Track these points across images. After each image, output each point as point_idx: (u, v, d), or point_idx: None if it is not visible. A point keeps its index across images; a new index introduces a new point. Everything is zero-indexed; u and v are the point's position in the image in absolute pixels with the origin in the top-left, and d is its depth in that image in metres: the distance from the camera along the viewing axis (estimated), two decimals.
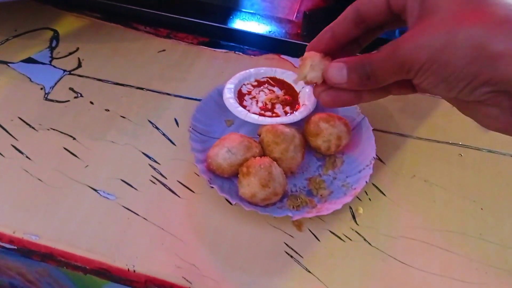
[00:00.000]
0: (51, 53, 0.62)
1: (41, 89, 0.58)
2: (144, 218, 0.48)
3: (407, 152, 0.55)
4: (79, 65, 0.61)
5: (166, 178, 0.51)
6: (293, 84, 0.57)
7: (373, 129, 0.56)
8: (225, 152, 0.49)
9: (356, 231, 0.48)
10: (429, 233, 0.48)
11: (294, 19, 0.70)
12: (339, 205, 0.47)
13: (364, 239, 0.48)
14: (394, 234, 0.48)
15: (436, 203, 0.51)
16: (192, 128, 0.53)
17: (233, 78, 0.57)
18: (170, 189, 0.50)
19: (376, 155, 0.54)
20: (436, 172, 0.54)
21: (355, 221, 0.49)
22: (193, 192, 0.50)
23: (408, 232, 0.48)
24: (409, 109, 0.60)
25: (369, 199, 0.51)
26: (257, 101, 0.55)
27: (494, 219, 0.50)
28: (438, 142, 0.57)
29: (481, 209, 0.51)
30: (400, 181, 0.53)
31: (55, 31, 0.65)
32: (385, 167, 0.54)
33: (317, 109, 0.54)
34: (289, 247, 0.47)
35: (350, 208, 0.50)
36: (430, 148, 0.56)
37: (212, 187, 0.47)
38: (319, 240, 0.47)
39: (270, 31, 0.67)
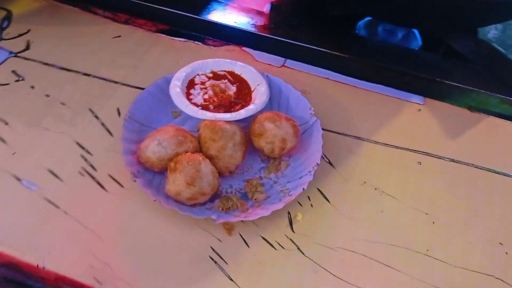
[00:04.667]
0: (0, 34, 0.60)
1: None
2: (65, 212, 0.45)
3: (361, 157, 0.51)
4: (27, 48, 0.58)
5: (96, 170, 0.48)
6: (248, 82, 0.54)
7: (328, 131, 0.53)
8: (155, 145, 0.45)
9: (290, 239, 0.44)
10: (370, 246, 0.44)
11: (264, 10, 0.67)
12: (268, 211, 0.43)
13: (298, 248, 0.44)
14: (332, 244, 0.44)
15: (384, 214, 0.47)
16: (129, 117, 0.49)
17: (187, 67, 0.54)
18: (98, 182, 0.47)
19: (327, 159, 0.50)
20: (390, 180, 0.49)
21: (291, 228, 0.45)
22: (122, 186, 0.47)
23: (347, 243, 0.44)
24: (371, 111, 0.56)
25: (311, 205, 0.47)
26: (205, 93, 0.52)
27: (446, 235, 0.46)
28: (397, 147, 0.52)
29: (433, 223, 0.47)
30: (349, 188, 0.49)
31: (9, 11, 0.63)
32: (335, 171, 0.50)
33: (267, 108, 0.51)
34: (215, 251, 0.43)
35: (289, 213, 0.46)
36: (387, 153, 0.52)
37: (134, 181, 0.44)
38: (248, 246, 0.44)
39: (235, 22, 0.64)
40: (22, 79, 0.55)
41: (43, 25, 0.61)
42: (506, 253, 0.45)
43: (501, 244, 0.46)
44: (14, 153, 0.48)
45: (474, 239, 0.46)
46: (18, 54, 0.58)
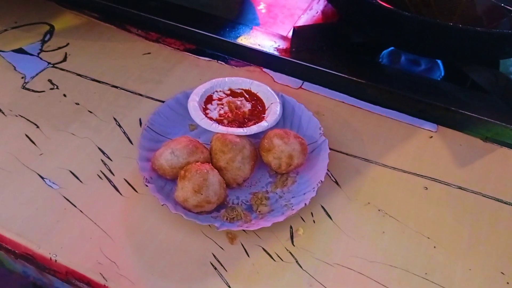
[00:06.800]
0: (42, 46, 0.65)
1: (22, 78, 0.60)
2: (80, 211, 0.48)
3: (367, 178, 0.52)
4: (64, 59, 0.63)
5: (113, 175, 0.51)
6: (264, 100, 0.56)
7: (338, 152, 0.54)
8: (169, 153, 0.48)
9: (290, 252, 0.46)
10: (368, 265, 0.45)
11: (287, 35, 0.70)
12: (269, 223, 0.45)
13: (296, 261, 0.45)
14: (330, 260, 0.45)
15: (385, 235, 0.48)
16: (148, 126, 0.53)
17: (207, 83, 0.57)
18: (114, 186, 0.50)
19: (334, 178, 0.52)
20: (394, 202, 0.50)
21: (292, 242, 0.47)
22: (136, 191, 0.50)
23: (345, 260, 0.45)
24: (382, 135, 0.57)
25: (313, 221, 0.48)
26: (221, 108, 0.55)
27: (446, 260, 0.46)
28: (404, 171, 0.53)
29: (434, 247, 0.47)
30: (352, 207, 0.50)
31: (52, 26, 0.68)
32: (340, 191, 0.51)
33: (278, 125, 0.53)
34: (216, 258, 0.45)
35: (291, 227, 0.48)
36: (394, 177, 0.53)
37: (146, 186, 0.47)
38: (248, 256, 0.45)
39: (259, 45, 0.67)
40: (56, 88, 0.60)
41: (81, 39, 0.67)
42: (508, 283, 0.45)
43: (503, 273, 0.45)
44: (41, 154, 0.52)
45: (475, 266, 0.46)
46: (55, 65, 0.63)
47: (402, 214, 0.49)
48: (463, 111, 0.59)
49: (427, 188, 0.52)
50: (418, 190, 0.52)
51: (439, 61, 0.72)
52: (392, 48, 0.73)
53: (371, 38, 0.68)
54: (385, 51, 0.73)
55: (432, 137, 0.57)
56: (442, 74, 0.70)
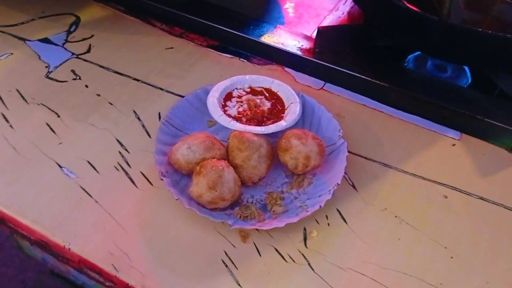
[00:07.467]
0: (67, 37, 0.66)
1: (46, 67, 0.61)
2: (96, 201, 0.48)
3: (385, 183, 0.51)
4: (88, 51, 0.64)
5: (130, 167, 0.51)
6: (284, 99, 0.56)
7: (357, 155, 0.53)
8: (185, 148, 0.48)
9: (302, 254, 0.45)
10: (382, 271, 0.44)
11: (311, 35, 0.69)
12: (282, 224, 0.45)
13: (308, 264, 0.44)
14: (342, 265, 0.45)
15: (401, 242, 0.47)
16: (166, 120, 0.53)
17: (227, 80, 0.56)
18: (130, 178, 0.50)
19: (351, 182, 0.51)
20: (412, 210, 0.49)
21: (305, 244, 0.46)
22: (152, 184, 0.50)
23: (358, 265, 0.45)
24: (403, 140, 0.56)
25: (328, 224, 0.48)
26: (241, 106, 0.54)
27: (463, 271, 0.45)
28: (424, 179, 0.52)
29: (451, 257, 0.46)
30: (368, 212, 0.49)
31: (78, 17, 0.69)
32: (357, 194, 0.50)
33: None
34: (228, 256, 0.45)
35: (305, 229, 0.47)
36: (413, 183, 0.52)
37: (162, 179, 0.47)
38: (260, 255, 0.45)
39: (282, 43, 0.66)
40: (79, 78, 0.60)
41: (106, 32, 0.67)
42: None
43: None
44: (61, 143, 0.53)
45: (493, 279, 0.44)
46: (79, 56, 0.63)
47: (419, 222, 0.48)
48: (488, 120, 0.57)
49: (446, 197, 0.51)
50: (438, 199, 0.50)
51: (466, 68, 0.70)
52: (418, 52, 0.71)
53: (397, 41, 0.67)
54: (411, 56, 0.72)
55: (455, 145, 0.56)
56: (469, 81, 0.68)
